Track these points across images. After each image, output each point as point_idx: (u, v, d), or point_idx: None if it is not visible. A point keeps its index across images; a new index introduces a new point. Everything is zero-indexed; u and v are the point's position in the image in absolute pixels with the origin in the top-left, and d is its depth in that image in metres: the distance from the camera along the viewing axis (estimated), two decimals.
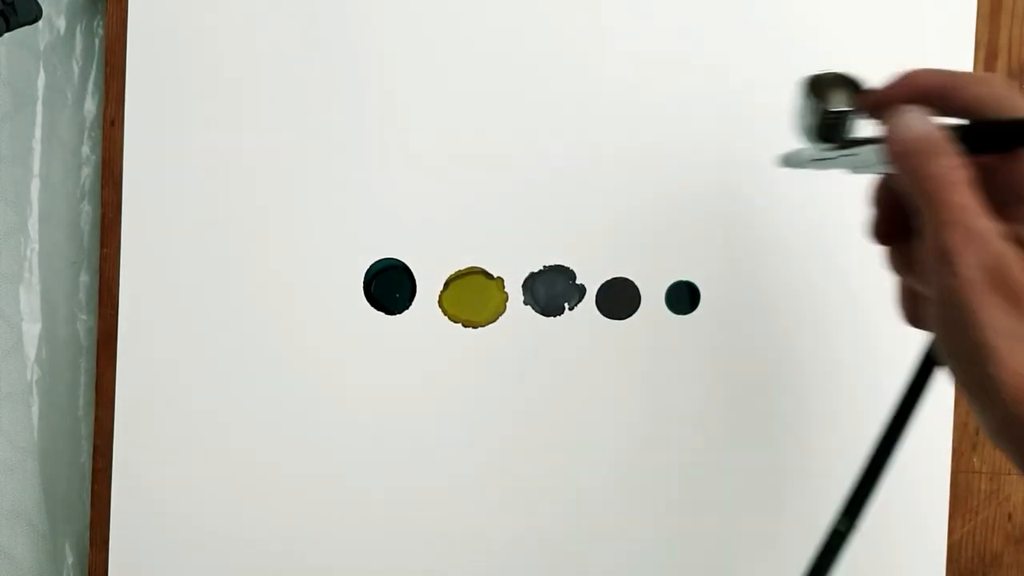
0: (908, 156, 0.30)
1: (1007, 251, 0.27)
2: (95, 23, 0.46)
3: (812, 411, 0.45)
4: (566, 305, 0.45)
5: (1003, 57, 0.46)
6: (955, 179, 0.28)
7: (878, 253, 0.44)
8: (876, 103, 0.33)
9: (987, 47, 0.46)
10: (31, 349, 0.45)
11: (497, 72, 0.44)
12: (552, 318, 0.45)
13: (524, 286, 0.45)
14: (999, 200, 0.29)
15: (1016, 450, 0.27)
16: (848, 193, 0.45)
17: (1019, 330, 0.26)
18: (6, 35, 0.36)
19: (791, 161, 0.37)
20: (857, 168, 0.35)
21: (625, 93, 0.44)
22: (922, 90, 0.32)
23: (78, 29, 0.46)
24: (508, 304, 0.45)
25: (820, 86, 0.36)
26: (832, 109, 0.35)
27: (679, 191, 0.44)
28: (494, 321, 0.45)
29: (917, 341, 0.46)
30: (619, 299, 0.45)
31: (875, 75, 0.45)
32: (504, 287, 0.45)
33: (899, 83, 0.33)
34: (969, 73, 0.32)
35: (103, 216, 0.44)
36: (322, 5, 0.44)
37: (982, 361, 0.27)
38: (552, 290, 0.45)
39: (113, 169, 0.44)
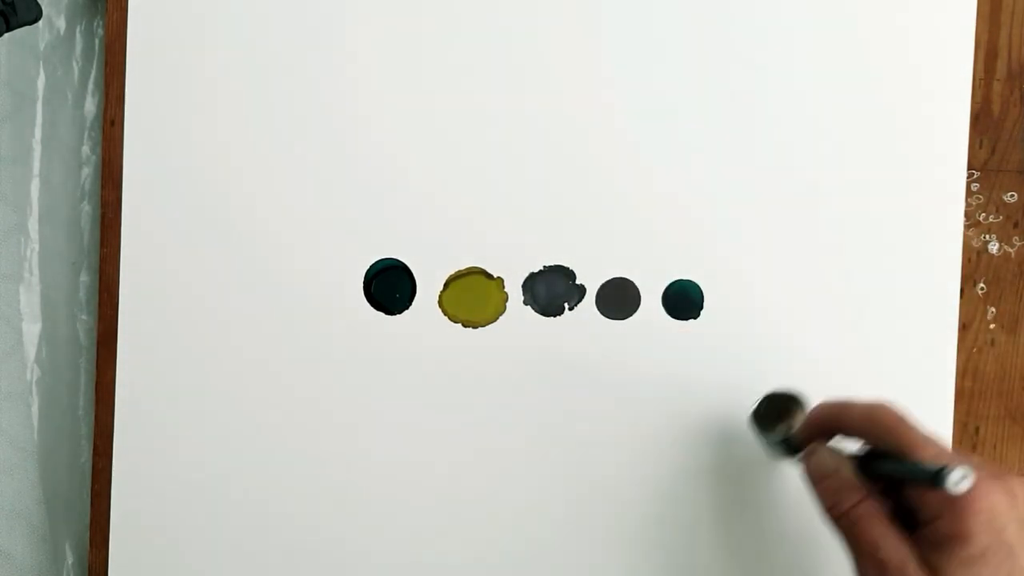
0: (822, 494, 0.34)
1: None
2: (95, 23, 0.46)
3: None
4: (566, 305, 0.45)
5: (1003, 57, 0.46)
6: (863, 515, 0.32)
7: (881, 255, 0.44)
8: (801, 436, 0.37)
9: (987, 47, 0.46)
10: (31, 349, 0.45)
11: (497, 72, 0.44)
12: (552, 318, 0.45)
13: (524, 286, 0.45)
14: (911, 519, 0.32)
15: None
16: (850, 193, 0.45)
17: None
18: (6, 35, 0.36)
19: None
20: None
21: (625, 93, 0.44)
22: (820, 425, 0.36)
23: (78, 29, 0.46)
24: (508, 304, 0.45)
25: (760, 416, 0.41)
26: (772, 439, 0.40)
27: (679, 191, 0.44)
28: (494, 321, 0.45)
29: (920, 344, 0.46)
30: (619, 299, 0.45)
31: (876, 82, 0.45)
32: (504, 287, 0.45)
33: (807, 419, 0.37)
34: (856, 405, 0.35)
35: (103, 216, 0.44)
36: (323, 5, 0.44)
37: None
38: (552, 290, 0.45)
39: (113, 169, 0.44)
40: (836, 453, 0.35)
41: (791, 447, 0.39)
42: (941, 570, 0.30)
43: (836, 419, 0.36)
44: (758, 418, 0.41)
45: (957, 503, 0.30)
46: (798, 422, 0.39)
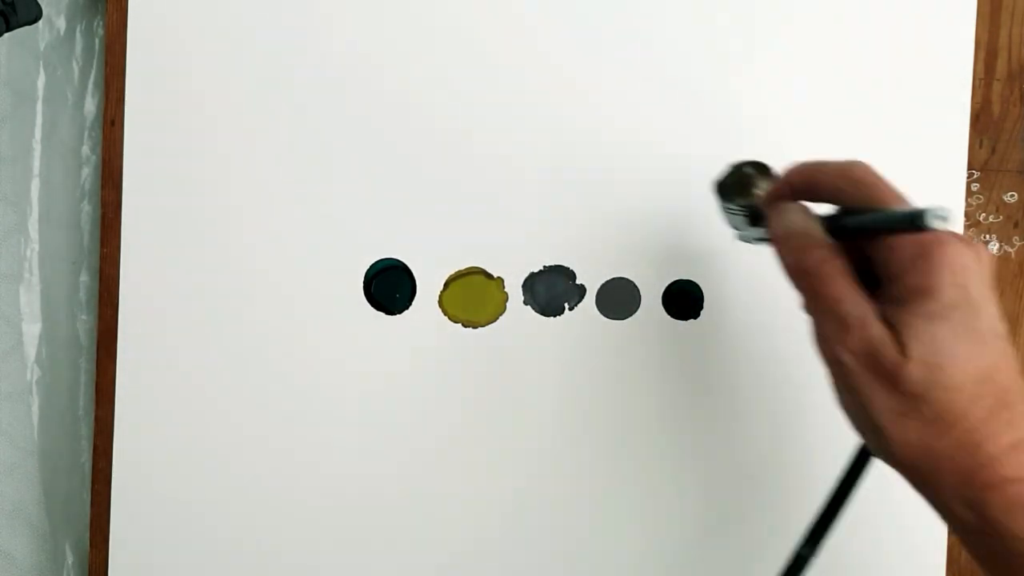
0: (786, 252, 0.33)
1: (879, 334, 0.29)
2: (95, 23, 0.46)
3: (814, 411, 0.45)
4: (566, 305, 0.45)
5: (1003, 57, 0.46)
6: (827, 271, 0.31)
7: None
8: (768, 200, 0.36)
9: (987, 47, 0.46)
10: (31, 349, 0.45)
11: (497, 72, 0.44)
12: (552, 318, 0.45)
13: (524, 286, 0.45)
14: (873, 279, 0.31)
15: (919, 491, 0.30)
16: None
17: (900, 406, 0.29)
18: (6, 35, 0.36)
19: (737, 237, 0.41)
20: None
21: (625, 92, 0.44)
22: (794, 186, 0.35)
23: (78, 29, 0.46)
24: (508, 304, 0.45)
25: (725, 187, 0.39)
26: (735, 207, 0.38)
27: (679, 191, 0.44)
28: (494, 321, 0.45)
29: None
30: (619, 299, 0.45)
31: (876, 82, 0.45)
32: (504, 287, 0.45)
33: (780, 181, 0.35)
34: (831, 163, 0.34)
35: (103, 216, 0.44)
36: (323, 5, 0.44)
37: (877, 437, 0.30)
38: (552, 290, 0.45)
39: (113, 169, 0.44)
40: (806, 210, 0.34)
41: (755, 217, 0.37)
42: (902, 324, 0.29)
43: (809, 178, 0.34)
44: (723, 188, 0.39)
45: (924, 257, 0.29)
46: (763, 190, 0.37)
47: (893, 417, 0.29)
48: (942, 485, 0.29)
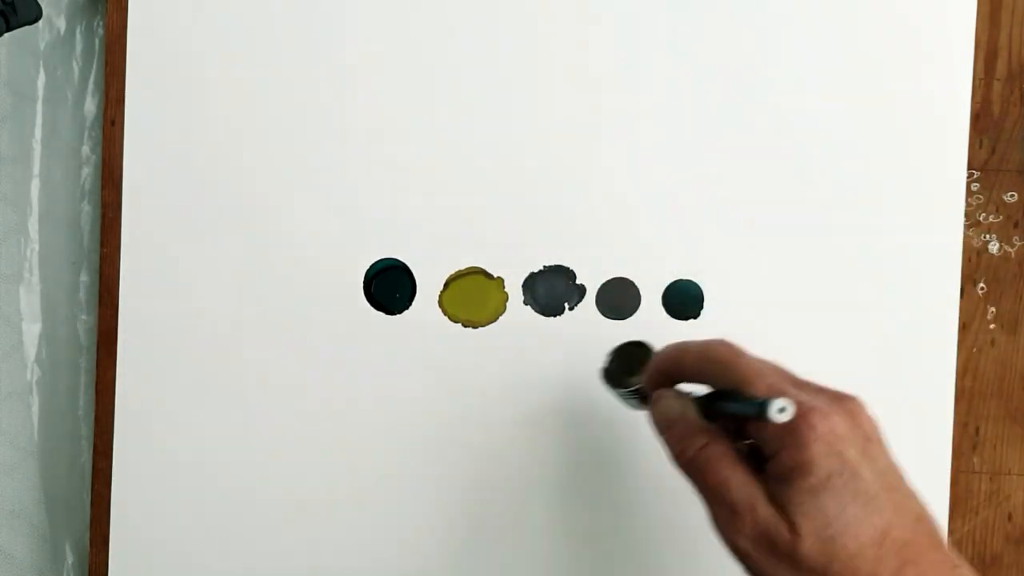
0: (668, 441, 0.33)
1: (768, 516, 0.30)
2: (95, 23, 0.46)
3: None
4: (566, 305, 0.45)
5: (1003, 57, 0.46)
6: (709, 457, 0.31)
7: (882, 255, 0.44)
8: (648, 387, 0.36)
9: (987, 47, 0.46)
10: (31, 349, 0.45)
11: (497, 72, 0.44)
12: (552, 318, 0.45)
13: (524, 286, 0.45)
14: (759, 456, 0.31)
15: None
16: (850, 192, 0.45)
17: None
18: (6, 35, 0.36)
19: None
20: None
21: (625, 92, 0.44)
22: (664, 372, 0.35)
23: (78, 29, 0.46)
24: (508, 304, 0.45)
25: (611, 374, 0.40)
26: (623, 393, 0.39)
27: (679, 191, 0.44)
28: (494, 321, 0.45)
29: (920, 344, 0.46)
30: (619, 299, 0.45)
31: (876, 82, 0.45)
32: (504, 287, 0.45)
33: (651, 367, 0.36)
34: (692, 344, 0.34)
35: (103, 216, 0.44)
36: (323, 6, 0.44)
37: None
38: (552, 290, 0.45)
39: (113, 169, 0.44)
40: (681, 397, 0.34)
41: (643, 399, 0.38)
42: (789, 501, 0.29)
43: (675, 363, 0.34)
44: (608, 375, 0.39)
45: (795, 433, 0.29)
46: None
47: None
48: None
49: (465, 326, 0.45)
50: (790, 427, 0.29)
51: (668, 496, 0.45)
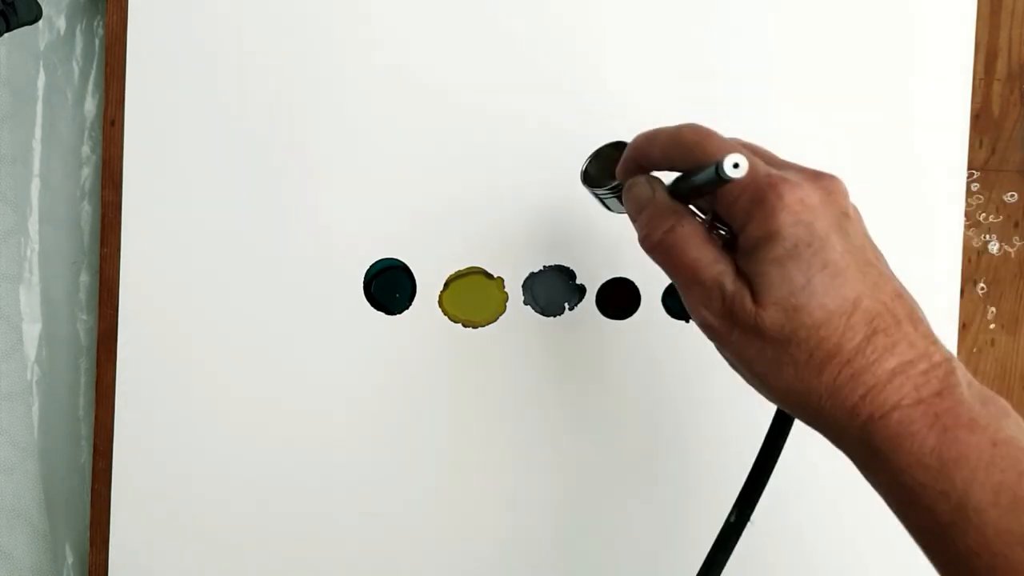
0: (639, 226, 0.32)
1: (734, 289, 0.29)
2: (95, 23, 0.46)
3: None
4: (566, 305, 0.45)
5: (1003, 57, 0.46)
6: (677, 238, 0.31)
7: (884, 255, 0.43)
8: (621, 177, 0.35)
9: (987, 47, 0.46)
10: (31, 349, 0.45)
11: (497, 72, 0.44)
12: (552, 318, 0.45)
13: (524, 286, 0.45)
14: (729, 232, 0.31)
15: (824, 436, 0.30)
16: (850, 192, 0.45)
17: (771, 354, 0.29)
18: (6, 35, 0.36)
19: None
20: None
21: (625, 91, 0.44)
22: (636, 160, 0.34)
23: (78, 29, 0.46)
24: (508, 304, 0.45)
25: (590, 175, 0.38)
26: (603, 192, 0.38)
27: None
28: (494, 321, 0.45)
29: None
30: (619, 299, 0.45)
31: (876, 83, 0.45)
32: (504, 287, 0.45)
33: (624, 156, 0.35)
34: (663, 130, 0.33)
35: (103, 216, 0.44)
36: (322, 6, 0.44)
37: (762, 387, 0.30)
38: (552, 290, 0.45)
39: (113, 169, 0.44)
40: (652, 181, 0.33)
41: (620, 198, 0.37)
42: (755, 273, 0.29)
43: (645, 151, 0.34)
44: (587, 177, 0.38)
45: (762, 203, 0.29)
46: None
47: (767, 366, 0.29)
48: (831, 424, 0.29)
49: (465, 326, 0.45)
50: (758, 198, 0.29)
51: (668, 495, 0.45)
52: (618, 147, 0.37)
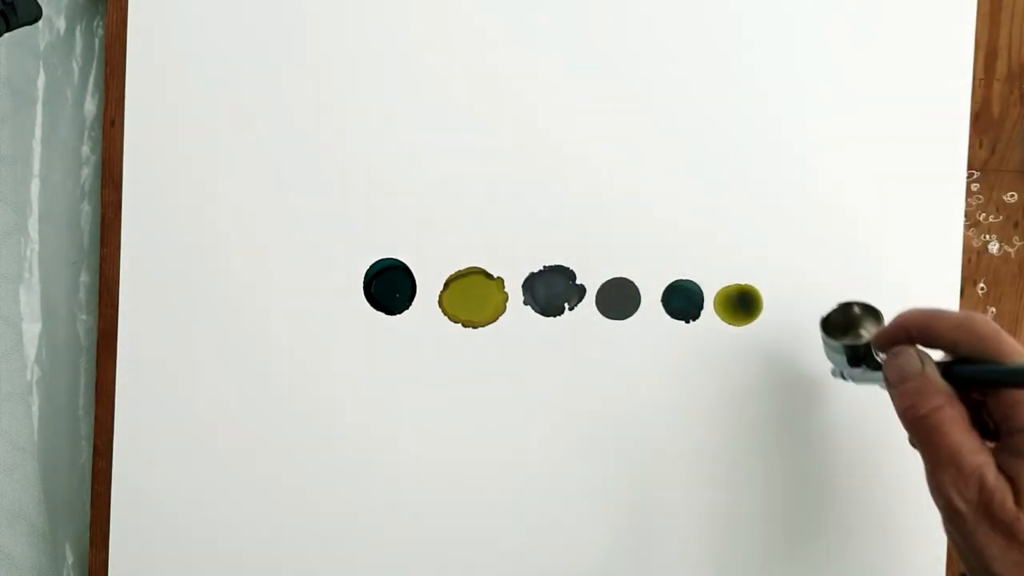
0: (902, 396, 0.33)
1: (997, 485, 0.30)
2: (95, 23, 0.46)
3: (814, 409, 0.45)
4: (566, 305, 0.45)
5: (1003, 57, 0.46)
6: (944, 419, 0.31)
7: (882, 255, 0.44)
8: (881, 342, 0.36)
9: (987, 47, 0.46)
10: (31, 349, 0.45)
11: (497, 72, 0.44)
12: (552, 318, 0.45)
13: (524, 286, 0.45)
14: (990, 429, 0.32)
15: None
16: (851, 192, 0.45)
17: (1016, 557, 0.29)
18: (6, 35, 0.36)
19: (836, 374, 0.42)
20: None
21: (625, 92, 0.44)
22: (909, 331, 0.35)
23: (78, 29, 0.46)
24: (508, 304, 0.45)
25: (830, 324, 0.39)
26: (840, 346, 0.39)
27: (679, 191, 0.44)
28: (494, 321, 0.45)
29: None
30: (619, 299, 0.45)
31: (876, 83, 0.45)
32: (504, 287, 0.45)
33: (895, 324, 0.36)
34: (949, 314, 0.34)
35: (103, 216, 0.44)
36: (322, 6, 0.44)
37: (984, 574, 0.30)
38: (552, 290, 0.45)
39: (113, 169, 0.44)
40: (922, 355, 0.34)
41: (856, 357, 0.38)
42: (1022, 476, 0.29)
43: (925, 325, 0.35)
44: (828, 324, 0.39)
45: None
46: (869, 332, 0.38)
47: (1007, 566, 0.30)
48: None
49: (465, 326, 0.45)
50: None
51: (668, 496, 0.45)
52: (865, 308, 0.39)
